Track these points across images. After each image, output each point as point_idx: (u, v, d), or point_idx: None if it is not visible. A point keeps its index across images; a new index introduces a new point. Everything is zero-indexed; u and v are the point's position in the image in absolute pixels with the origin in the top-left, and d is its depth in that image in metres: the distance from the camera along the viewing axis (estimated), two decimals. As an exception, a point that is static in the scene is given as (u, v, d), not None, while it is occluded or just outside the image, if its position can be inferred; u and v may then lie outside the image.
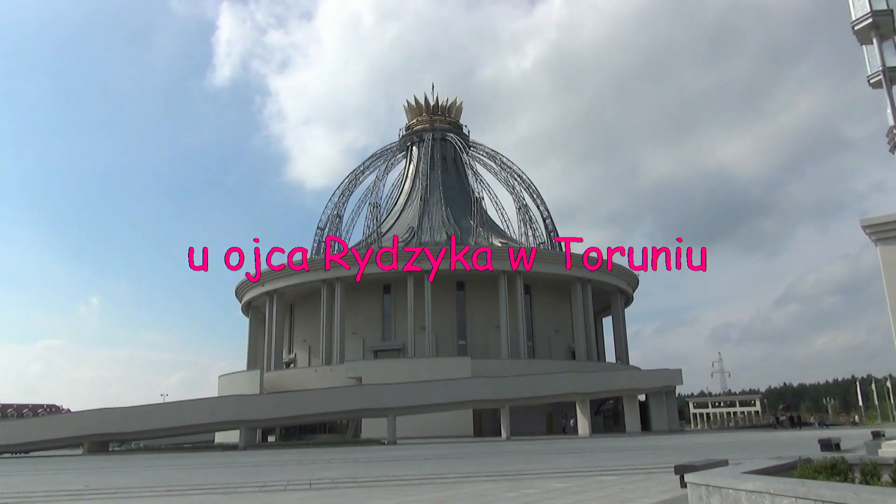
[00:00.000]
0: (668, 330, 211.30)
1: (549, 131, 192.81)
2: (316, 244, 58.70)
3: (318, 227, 58.98)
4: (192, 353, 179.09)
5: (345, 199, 60.97)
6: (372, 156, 65.57)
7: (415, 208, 60.76)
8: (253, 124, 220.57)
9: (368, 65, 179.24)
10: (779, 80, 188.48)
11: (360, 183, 63.71)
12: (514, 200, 59.34)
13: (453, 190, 63.77)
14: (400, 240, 57.83)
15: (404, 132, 69.77)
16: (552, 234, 60.52)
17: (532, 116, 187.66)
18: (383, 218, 63.60)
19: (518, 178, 62.30)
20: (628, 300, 62.19)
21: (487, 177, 67.72)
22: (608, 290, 56.90)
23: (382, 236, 57.62)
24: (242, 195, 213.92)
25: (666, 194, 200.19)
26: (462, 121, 71.17)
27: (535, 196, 62.06)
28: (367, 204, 59.03)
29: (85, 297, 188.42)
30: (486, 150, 65.66)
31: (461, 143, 64.32)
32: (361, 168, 64.05)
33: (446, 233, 57.42)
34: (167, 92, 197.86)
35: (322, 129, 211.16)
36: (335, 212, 59.74)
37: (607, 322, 63.82)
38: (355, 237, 63.93)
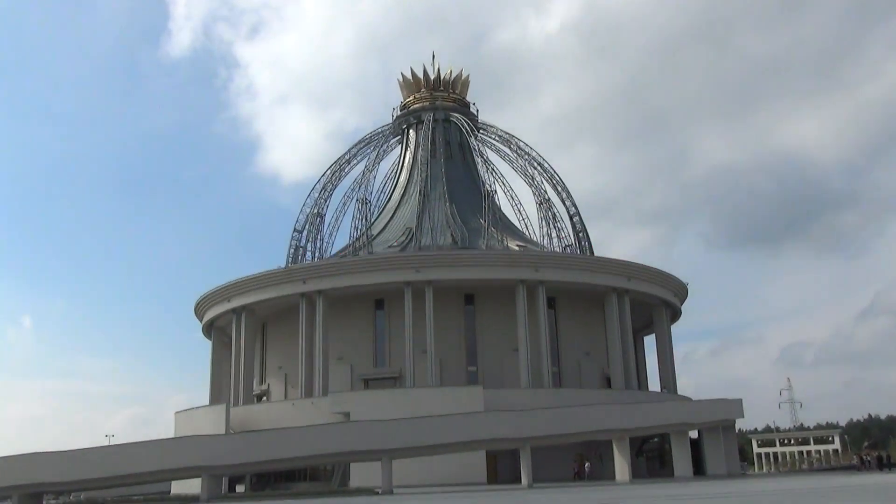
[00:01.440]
0: (726, 351, 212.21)
1: (579, 109, 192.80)
2: (293, 250, 58.87)
3: (295, 230, 59.39)
4: (144, 384, 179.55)
5: (327, 194, 61.24)
6: (359, 142, 65.96)
7: (412, 205, 60.95)
8: (217, 103, 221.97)
9: (359, 29, 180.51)
10: (863, 43, 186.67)
11: (346, 175, 64.22)
12: (534, 194, 59.39)
13: (459, 182, 63.95)
14: (395, 243, 57.93)
15: (399, 112, 70.20)
16: (581, 234, 60.62)
17: (558, 91, 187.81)
18: (374, 217, 63.56)
19: (539, 168, 62.44)
20: (676, 315, 62.19)
21: (501, 166, 68.23)
22: (650, 302, 56.83)
23: (373, 239, 57.66)
24: (204, 191, 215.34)
25: (723, 184, 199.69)
26: (470, 98, 71.52)
27: (560, 189, 62.14)
28: (355, 200, 59.01)
29: (14, 316, 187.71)
30: (500, 132, 66.07)
31: (468, 125, 64.52)
32: (347, 157, 64.44)
33: (451, 234, 57.53)
34: (112, 66, 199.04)
35: (302, 108, 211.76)
36: (315, 210, 59.94)
37: (650, 342, 63.74)
38: (341, 241, 64.76)
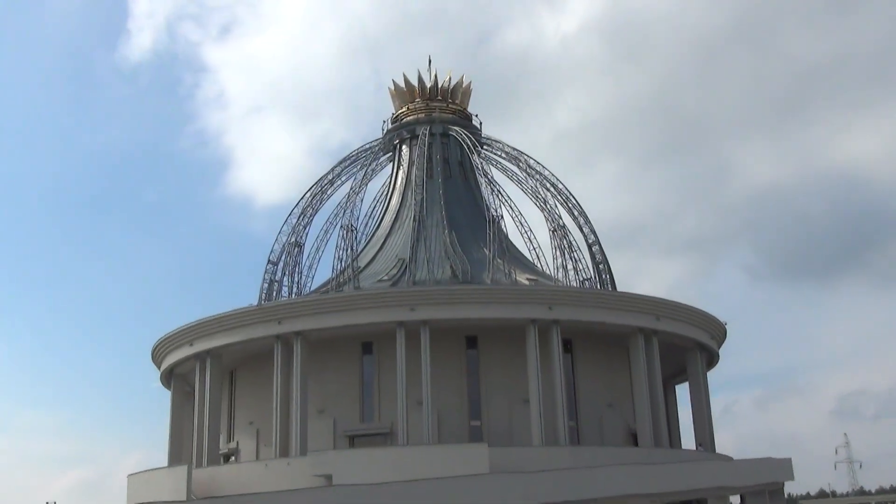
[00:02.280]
0: (773, 402, 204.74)
1: (600, 121, 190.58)
2: (266, 285, 58.24)
3: (269, 261, 58.72)
4: (92, 442, 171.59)
5: (307, 220, 60.79)
6: (344, 159, 65.55)
7: (405, 233, 60.66)
8: (182, 114, 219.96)
9: (346, 30, 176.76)
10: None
11: (329, 197, 63.74)
12: (547, 220, 58.92)
13: (460, 206, 63.65)
14: (385, 277, 57.36)
15: (390, 125, 70.33)
16: (602, 266, 60.06)
17: (576, 100, 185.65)
18: (362, 247, 63.34)
19: (552, 189, 62.14)
20: (713, 359, 61.46)
21: (508, 187, 67.42)
22: (683, 345, 56.27)
23: (360, 272, 57.27)
24: (165, 216, 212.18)
25: (768, 207, 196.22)
26: (472, 108, 71.16)
27: (577, 213, 61.79)
28: (339, 227, 58.55)
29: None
30: (507, 148, 65.70)
31: (470, 140, 64.16)
32: (330, 177, 64.13)
33: (451, 267, 56.84)
34: (61, 70, 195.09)
35: (280, 120, 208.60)
36: (293, 239, 59.48)
37: (683, 392, 62.82)
38: (322, 274, 63.24)
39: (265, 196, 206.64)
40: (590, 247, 61.06)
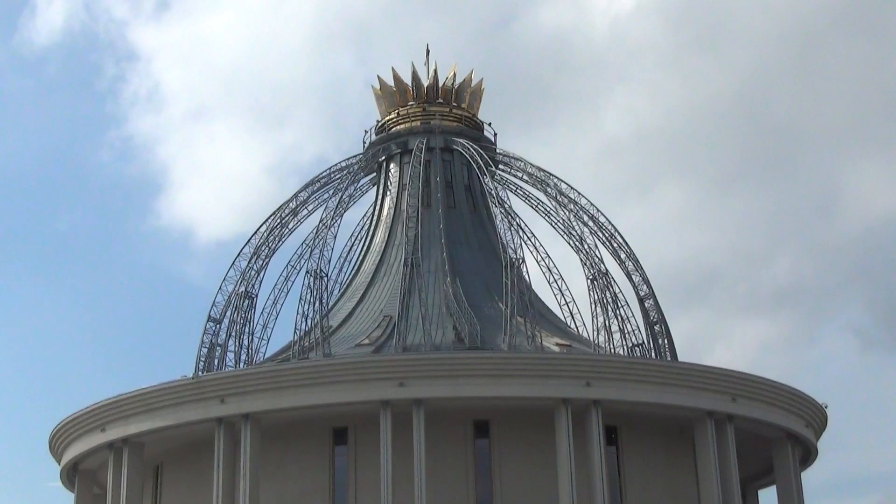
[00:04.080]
0: None
1: (663, 131, 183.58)
2: (206, 350, 57.25)
3: (210, 318, 57.92)
4: None
5: (262, 262, 60.34)
6: (313, 182, 65.01)
7: (393, 281, 60.48)
8: (102, 117, 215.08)
9: (323, 6, 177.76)
10: None
11: (292, 232, 63.38)
12: (585, 265, 58.57)
13: (466, 245, 63.83)
14: (366, 341, 56.99)
15: (373, 136, 70.13)
16: (659, 327, 59.41)
17: (631, 103, 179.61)
18: (335, 299, 63.11)
19: (593, 223, 61.83)
20: (809, 454, 60.73)
21: (533, 220, 66.87)
22: (769, 435, 55.72)
23: (332, 334, 57.13)
24: (75, 254, 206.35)
25: (886, 249, 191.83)
26: (485, 114, 71.49)
27: (626, 256, 61.28)
28: (304, 273, 57.90)
29: None
30: (532, 168, 65.35)
31: (482, 157, 63.46)
32: (293, 205, 63.56)
33: (454, 327, 57.15)
34: None
35: (232, 126, 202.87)
36: (243, 287, 58.77)
37: (768, 497, 62.21)
38: (281, 336, 63.14)
39: (209, 229, 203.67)
40: (642, 301, 60.20)
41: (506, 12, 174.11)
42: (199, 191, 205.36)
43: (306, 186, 65.67)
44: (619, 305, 58.16)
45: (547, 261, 64.98)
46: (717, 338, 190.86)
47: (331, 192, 64.36)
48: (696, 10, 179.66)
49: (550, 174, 64.69)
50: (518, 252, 59.35)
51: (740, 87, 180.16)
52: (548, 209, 63.63)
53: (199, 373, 55.27)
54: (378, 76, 70.43)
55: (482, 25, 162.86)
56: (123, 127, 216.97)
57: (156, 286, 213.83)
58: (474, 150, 64.61)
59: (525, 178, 65.77)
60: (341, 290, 65.02)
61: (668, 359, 58.25)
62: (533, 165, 66.00)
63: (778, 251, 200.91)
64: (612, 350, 57.19)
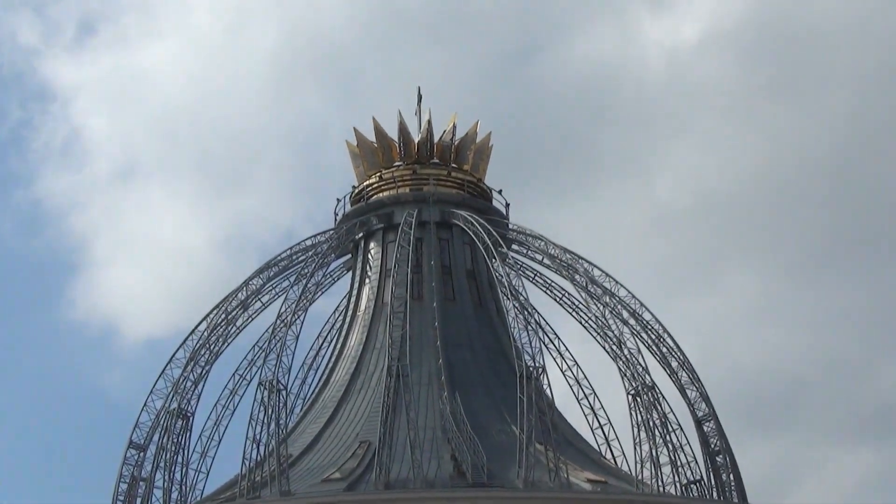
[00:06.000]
0: None
1: (732, 197, 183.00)
2: (125, 485, 56.98)
3: (131, 444, 57.57)
4: None
5: (201, 370, 59.05)
6: (269, 265, 63.80)
7: (373, 395, 59.01)
8: (4, 174, 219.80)
9: (290, 33, 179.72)
10: None
11: (242, 330, 61.75)
12: (624, 375, 56.45)
13: (469, 349, 62.11)
14: (336, 475, 55.06)
15: (348, 206, 68.94)
16: (722, 457, 57.69)
17: (693, 159, 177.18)
18: (296, 420, 61.81)
19: (636, 321, 60.31)
20: None
21: (558, 317, 65.87)
22: None
23: (293, 464, 55.63)
24: None
25: None
26: (494, 178, 69.73)
27: (679, 364, 59.51)
28: (257, 385, 56.71)
29: None
30: (555, 249, 63.32)
31: (490, 236, 61.87)
32: (243, 295, 62.14)
33: (452, 457, 55.49)
34: None
35: (172, 188, 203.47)
36: (176, 403, 57.96)
37: None
38: (224, 467, 61.14)
39: (136, 324, 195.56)
40: (699, 424, 58.48)
41: (526, 42, 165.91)
42: (126, 273, 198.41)
43: (261, 271, 63.97)
44: (670, 429, 56.18)
45: (575, 370, 63.17)
46: (805, 471, 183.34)
47: (292, 279, 62.56)
48: (777, 44, 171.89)
49: (579, 257, 62.63)
50: (537, 359, 56.78)
51: (833, 144, 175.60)
52: (576, 302, 61.89)
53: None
54: (354, 129, 68.50)
55: (493, 60, 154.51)
56: (30, 188, 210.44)
57: (63, 399, 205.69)
58: (480, 225, 63.27)
59: (546, 261, 63.94)
60: (304, 408, 63.50)
61: (735, 500, 57.50)
62: (557, 245, 63.97)
63: (882, 358, 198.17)
64: (661, 487, 55.26)
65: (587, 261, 63.79)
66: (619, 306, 61.48)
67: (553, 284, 64.89)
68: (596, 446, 63.02)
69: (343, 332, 67.03)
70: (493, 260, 62.10)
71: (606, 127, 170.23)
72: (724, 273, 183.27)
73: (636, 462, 56.39)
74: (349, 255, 68.73)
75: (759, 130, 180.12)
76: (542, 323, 63.83)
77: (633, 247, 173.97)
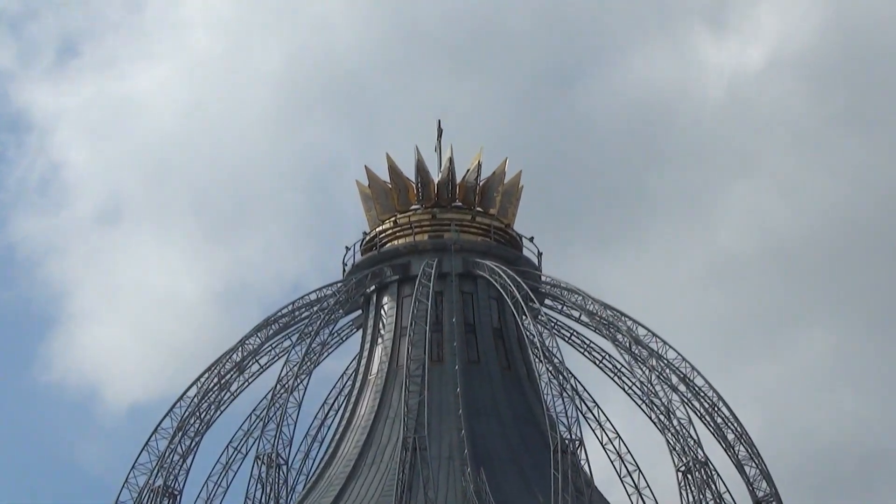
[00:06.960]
0: None
1: (803, 243, 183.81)
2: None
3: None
4: None
5: (191, 442, 57.63)
6: (269, 321, 62.60)
7: (386, 469, 58.25)
8: None
9: (297, 59, 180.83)
10: None
11: (237, 396, 60.62)
12: (675, 450, 55.55)
13: (496, 418, 60.66)
14: None
15: (359, 255, 68.13)
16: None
17: (757, 203, 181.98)
18: (298, 497, 61.33)
19: (686, 386, 59.21)
20: None
21: (596, 381, 66.18)
22: None
23: None
24: None
25: None
26: (524, 223, 67.42)
27: (734, 437, 58.05)
28: (254, 459, 56.74)
29: None
30: (594, 305, 61.83)
31: (520, 290, 61.61)
32: (238, 356, 61.40)
33: None
34: None
35: (164, 232, 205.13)
36: (161, 480, 57.39)
37: None
38: None
39: (119, 387, 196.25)
40: (764, 502, 58.00)
41: (565, 67, 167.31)
42: (108, 329, 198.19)
43: (259, 329, 62.64)
44: (730, 515, 51.53)
45: (617, 443, 60.96)
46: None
47: (295, 339, 61.92)
48: (852, 69, 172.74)
49: (622, 313, 61.55)
50: (574, 430, 55.84)
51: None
52: (618, 366, 60.90)
53: None
54: (366, 167, 67.14)
55: (526, 86, 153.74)
56: (2, 231, 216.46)
57: (35, 473, 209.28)
58: (508, 276, 62.53)
59: (584, 318, 62.60)
60: (308, 485, 62.38)
61: None
62: (596, 301, 62.49)
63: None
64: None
65: (631, 318, 62.42)
66: (667, 370, 60.30)
67: (592, 345, 63.30)
68: (646, 531, 57.09)
69: (352, 399, 65.87)
70: (524, 317, 61.82)
71: (658, 163, 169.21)
72: (793, 330, 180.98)
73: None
74: (359, 311, 67.40)
75: (833, 167, 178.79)
76: (580, 389, 62.01)
77: (688, 301, 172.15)
